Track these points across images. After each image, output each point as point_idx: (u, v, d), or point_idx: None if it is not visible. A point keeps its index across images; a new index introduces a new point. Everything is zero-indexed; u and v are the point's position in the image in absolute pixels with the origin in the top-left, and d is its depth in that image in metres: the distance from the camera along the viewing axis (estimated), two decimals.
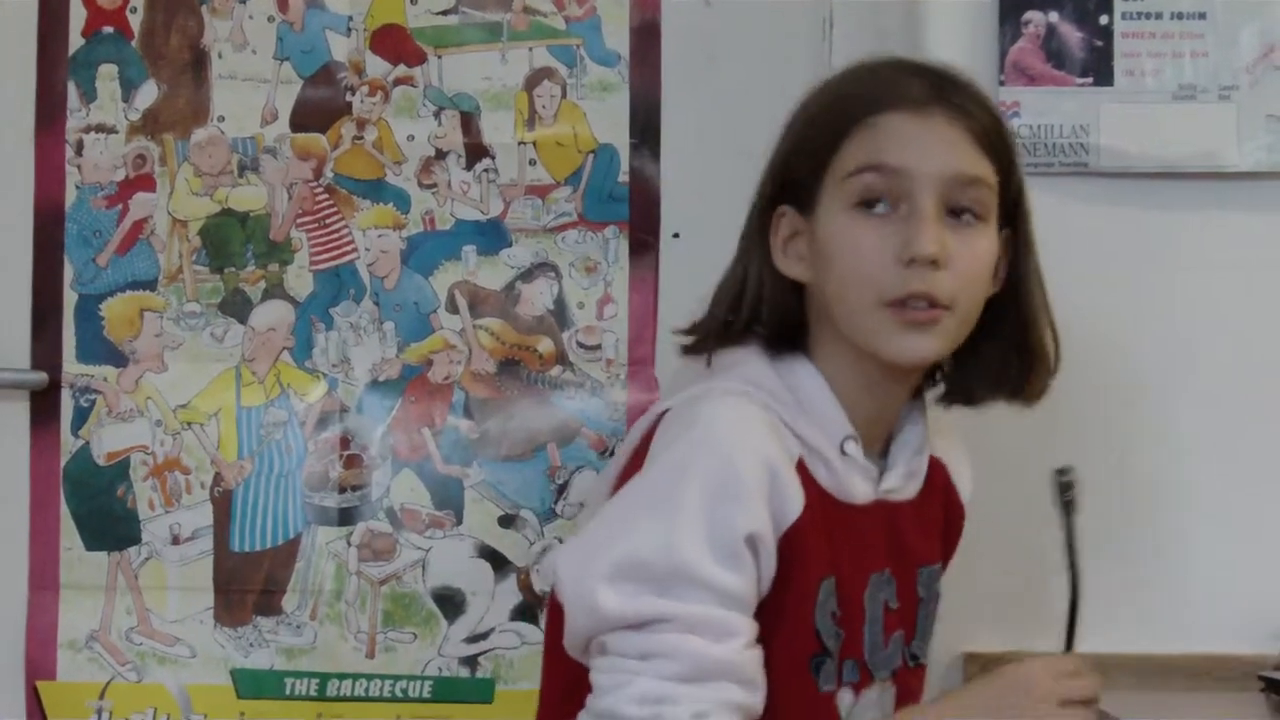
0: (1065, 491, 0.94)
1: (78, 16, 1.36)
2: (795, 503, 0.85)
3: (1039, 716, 0.87)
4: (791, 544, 0.85)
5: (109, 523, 1.36)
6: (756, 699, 0.82)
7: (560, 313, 1.38)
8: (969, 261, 0.89)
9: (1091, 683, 0.90)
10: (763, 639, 0.84)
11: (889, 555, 0.92)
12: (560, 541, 1.36)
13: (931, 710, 0.91)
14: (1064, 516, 0.95)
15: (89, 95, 1.36)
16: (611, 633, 0.82)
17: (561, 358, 1.38)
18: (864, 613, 0.90)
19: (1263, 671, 1.20)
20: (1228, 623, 1.25)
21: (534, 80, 1.37)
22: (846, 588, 0.89)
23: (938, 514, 0.99)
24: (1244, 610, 1.26)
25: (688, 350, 0.95)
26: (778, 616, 0.85)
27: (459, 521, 1.36)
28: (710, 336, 0.94)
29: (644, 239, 1.37)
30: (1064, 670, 0.90)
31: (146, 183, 1.37)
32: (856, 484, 0.91)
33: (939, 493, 0.99)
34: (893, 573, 0.92)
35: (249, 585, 1.37)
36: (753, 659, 0.83)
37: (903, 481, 0.94)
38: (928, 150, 0.87)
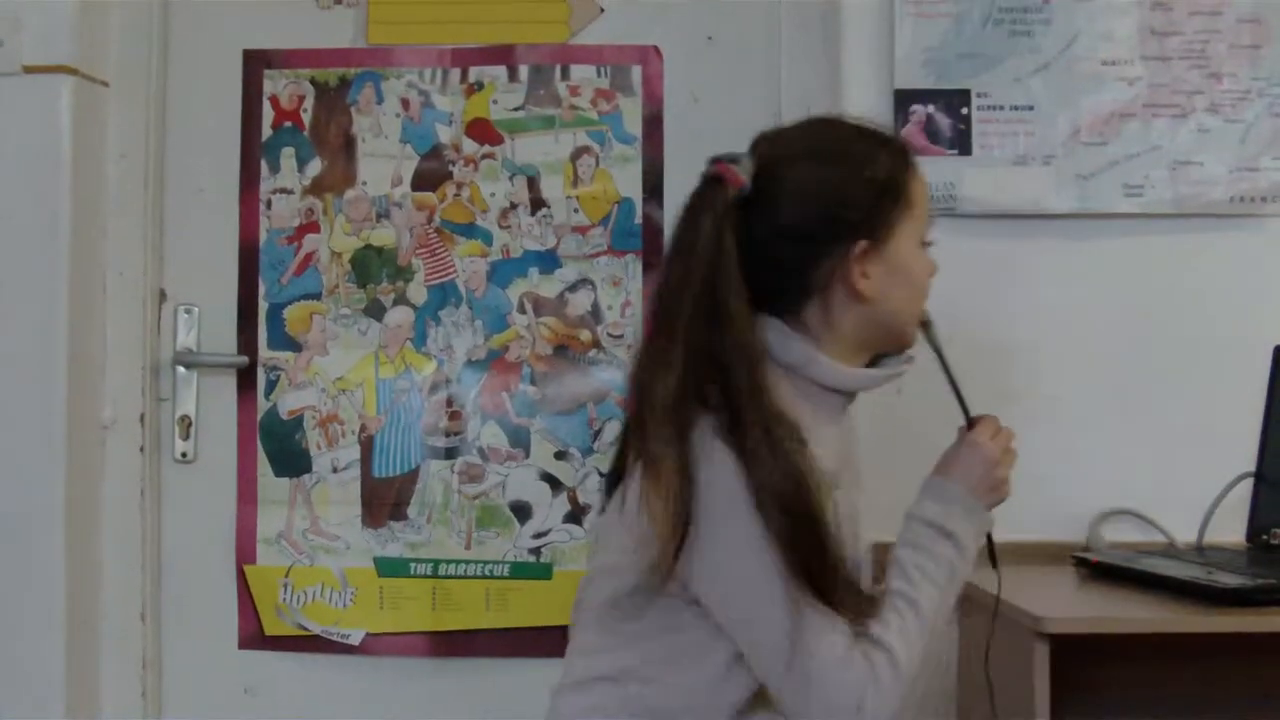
0: (927, 328, 1.09)
1: (268, 115, 1.68)
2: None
3: (1004, 468, 1.07)
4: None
5: (290, 458, 1.65)
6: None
7: (596, 313, 1.62)
8: None
9: (1007, 429, 1.09)
10: None
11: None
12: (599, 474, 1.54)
13: (948, 485, 1.04)
14: (935, 349, 1.09)
15: (275, 168, 1.67)
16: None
17: (597, 344, 1.61)
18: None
19: (1074, 553, 1.45)
20: (1050, 517, 1.48)
21: (577, 154, 1.66)
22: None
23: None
24: (1062, 510, 1.49)
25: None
26: None
27: (527, 456, 1.64)
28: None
29: (652, 262, 1.60)
30: (992, 429, 1.08)
31: (314, 228, 1.67)
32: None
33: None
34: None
35: (385, 499, 1.63)
36: None
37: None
38: None
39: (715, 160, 1.05)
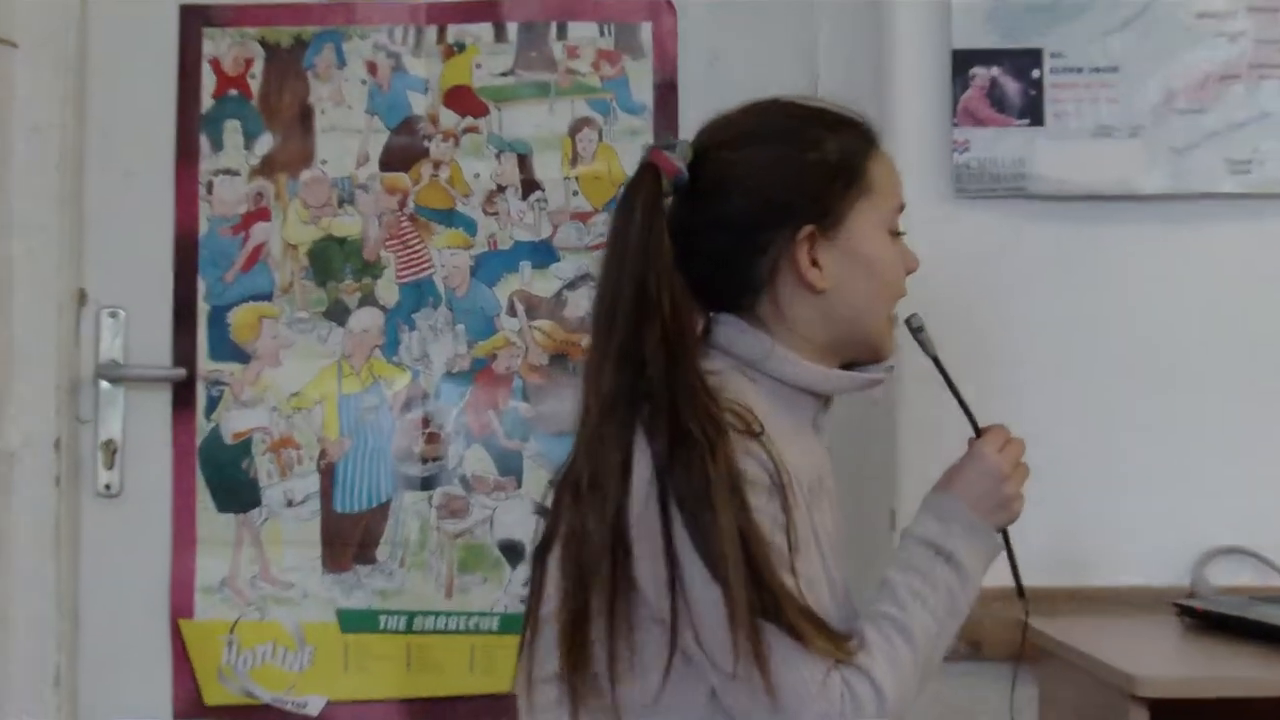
0: (919, 333, 1.13)
1: (208, 82, 1.65)
2: None
3: (1013, 483, 1.10)
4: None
5: (235, 490, 1.62)
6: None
7: None
8: None
9: (1016, 440, 1.11)
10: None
11: None
12: None
13: (949, 501, 1.07)
14: (930, 356, 1.12)
15: (218, 145, 1.65)
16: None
17: None
18: None
19: (1176, 599, 1.43)
20: (1148, 559, 1.48)
21: (576, 127, 1.64)
22: None
23: None
24: (1162, 552, 1.49)
25: None
26: None
27: (519, 485, 1.62)
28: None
29: None
30: (999, 440, 1.11)
31: (264, 215, 1.64)
32: None
33: None
34: None
35: (349, 540, 1.61)
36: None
37: None
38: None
39: (651, 147, 1.09)
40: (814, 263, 1.09)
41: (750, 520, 0.99)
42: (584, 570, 1.01)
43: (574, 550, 1.02)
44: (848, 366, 1.14)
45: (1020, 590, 1.16)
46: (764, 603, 0.98)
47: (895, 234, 1.13)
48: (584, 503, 1.02)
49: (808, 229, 1.08)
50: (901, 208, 1.15)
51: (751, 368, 1.09)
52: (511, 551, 1.62)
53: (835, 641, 1.01)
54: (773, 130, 1.11)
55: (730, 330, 1.10)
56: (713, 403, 1.02)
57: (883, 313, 1.13)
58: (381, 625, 1.61)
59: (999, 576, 1.16)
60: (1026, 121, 1.52)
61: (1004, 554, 1.14)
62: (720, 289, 1.11)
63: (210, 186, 1.64)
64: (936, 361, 1.16)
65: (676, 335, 1.03)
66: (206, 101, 1.65)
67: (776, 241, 1.08)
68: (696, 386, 1.02)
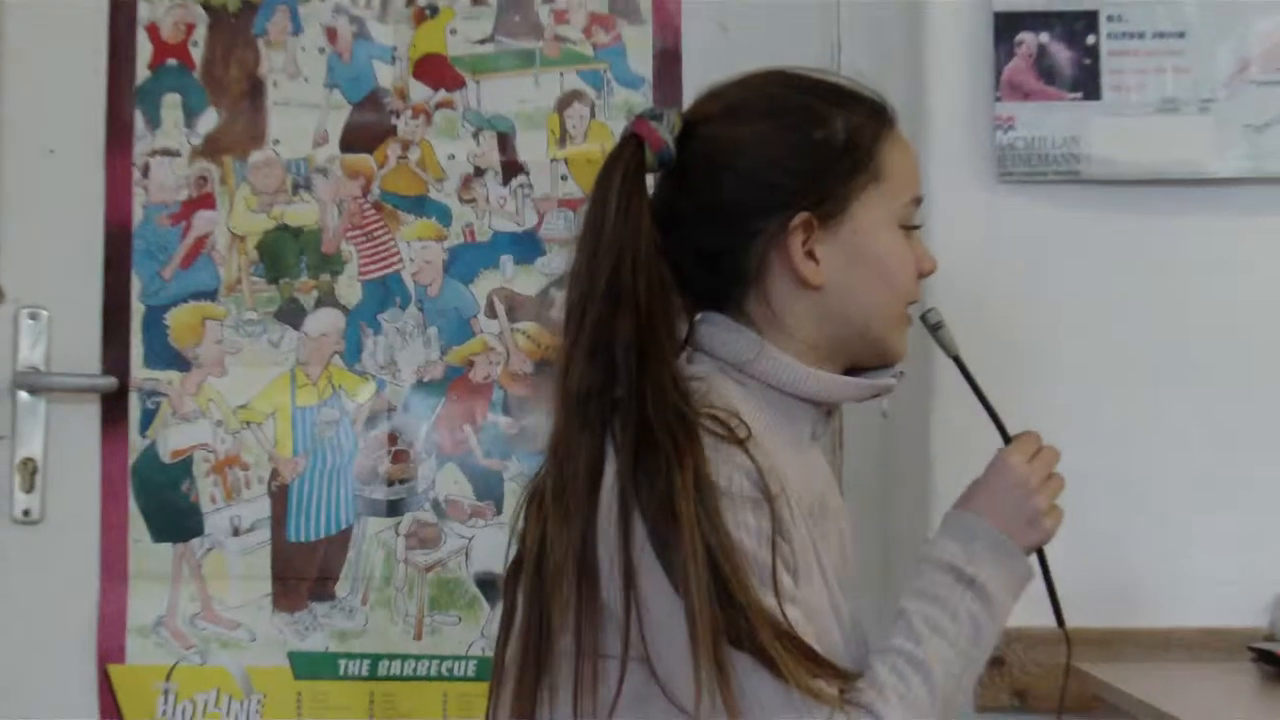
0: (937, 330, 1.14)
1: (144, 50, 1.64)
2: None
3: (1044, 497, 1.09)
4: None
5: (174, 516, 1.61)
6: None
7: None
8: None
9: (1049, 448, 1.12)
10: None
11: None
12: None
13: (971, 519, 1.08)
14: (951, 356, 1.14)
15: (154, 122, 1.64)
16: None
17: None
18: None
19: (1253, 643, 1.41)
20: (1221, 599, 1.46)
21: (565, 102, 1.63)
22: None
23: None
24: (1235, 587, 1.46)
25: None
26: None
27: (499, 511, 1.61)
28: None
29: None
30: (1029, 449, 1.11)
31: (207, 201, 1.63)
32: None
33: None
34: None
35: (304, 573, 1.61)
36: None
37: None
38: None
39: (636, 116, 1.09)
40: (810, 255, 1.08)
41: (722, 534, 0.97)
42: (546, 591, 1.01)
43: (536, 570, 1.02)
44: (854, 371, 1.13)
45: (1060, 620, 1.15)
46: (733, 625, 0.96)
47: (908, 229, 1.12)
48: (548, 516, 1.02)
49: (802, 216, 1.07)
50: (918, 201, 1.13)
51: (739, 370, 1.09)
52: (490, 587, 1.61)
53: (832, 679, 0.99)
54: (771, 103, 1.10)
55: (716, 329, 1.10)
56: (685, 405, 1.01)
57: (889, 315, 1.12)
58: (341, 671, 1.61)
59: (1046, 615, 1.15)
60: (1080, 95, 1.51)
61: (1038, 581, 1.12)
62: (706, 282, 1.10)
63: (146, 169, 1.64)
64: (958, 361, 1.15)
65: (649, 329, 1.03)
66: (142, 73, 1.65)
67: (767, 229, 1.08)
68: (667, 386, 1.02)
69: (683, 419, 1.00)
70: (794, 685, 0.96)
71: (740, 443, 1.00)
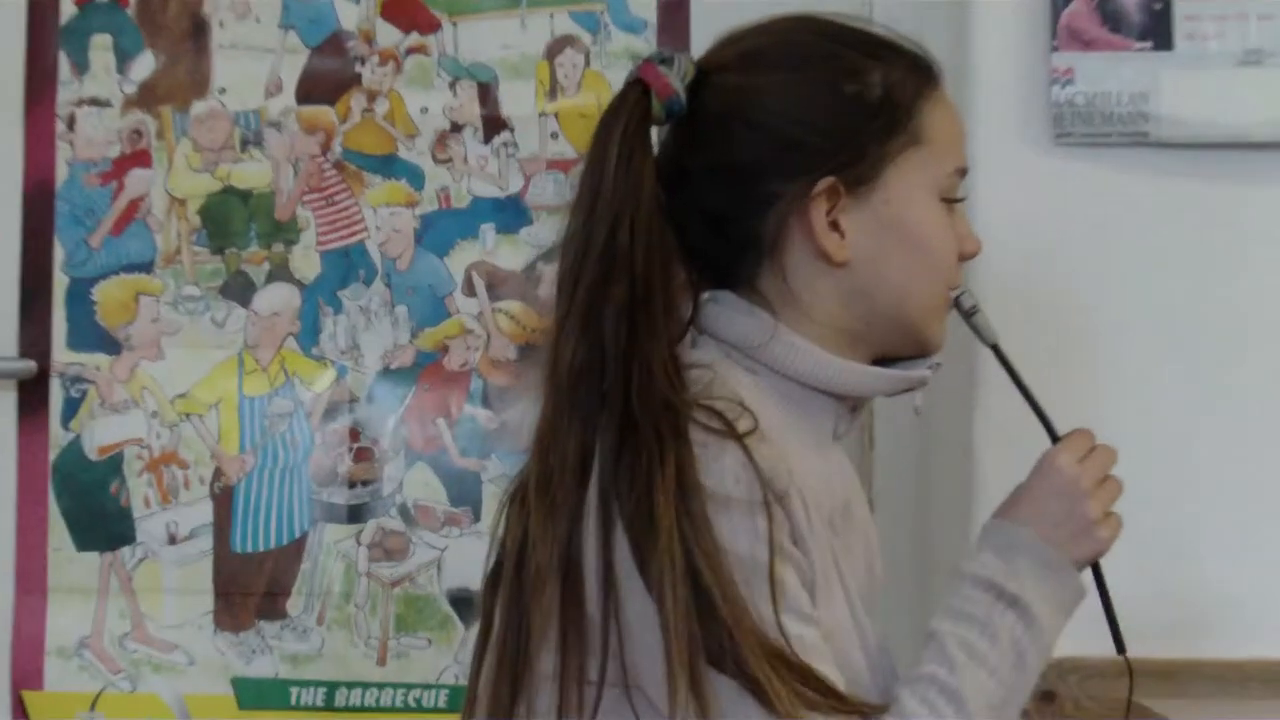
0: (972, 317, 1.13)
1: None
2: None
3: (1098, 503, 1.09)
4: None
5: (101, 521, 1.59)
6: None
7: None
8: None
9: (1103, 446, 1.11)
10: None
11: None
12: None
13: (1013, 529, 1.09)
14: (989, 344, 1.14)
15: (82, 67, 1.60)
16: None
17: None
18: None
19: None
20: None
21: (555, 48, 1.60)
22: None
23: None
24: None
25: None
26: None
27: (477, 518, 1.58)
28: None
29: None
30: (1081, 448, 1.11)
31: (143, 159, 1.60)
32: None
33: None
34: None
35: (251, 588, 1.58)
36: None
37: None
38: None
39: (644, 60, 1.09)
40: (834, 226, 1.07)
41: (705, 541, 0.97)
42: (526, 599, 1.01)
43: (516, 573, 1.03)
44: (885, 362, 1.12)
45: (1119, 646, 1.13)
46: (714, 644, 0.96)
47: (951, 202, 1.11)
48: (531, 513, 1.02)
49: (828, 181, 1.06)
50: (963, 171, 1.12)
51: (749, 357, 1.08)
52: (465, 605, 1.59)
53: (838, 711, 0.98)
54: (797, 51, 1.10)
55: (724, 309, 1.09)
56: (674, 394, 1.01)
57: (926, 297, 1.11)
58: (293, 700, 1.60)
59: (1100, 642, 1.13)
60: (1150, 45, 1.49)
61: (1092, 602, 1.11)
62: (716, 254, 1.10)
63: (71, 121, 1.62)
64: (997, 350, 1.14)
65: (644, 301, 1.02)
66: (67, 9, 1.63)
67: (786, 194, 1.07)
68: (656, 370, 1.01)
69: (670, 410, 1.00)
70: (785, 717, 0.96)
71: (738, 438, 0.99)
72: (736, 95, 1.08)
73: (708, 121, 1.08)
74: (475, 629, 1.48)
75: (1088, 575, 1.09)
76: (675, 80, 1.06)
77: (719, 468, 0.98)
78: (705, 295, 1.11)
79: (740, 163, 1.08)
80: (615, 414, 1.00)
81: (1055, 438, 1.13)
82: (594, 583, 0.99)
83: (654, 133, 1.10)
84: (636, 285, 1.02)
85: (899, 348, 1.11)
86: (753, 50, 1.10)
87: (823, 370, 1.08)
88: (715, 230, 1.09)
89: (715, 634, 0.96)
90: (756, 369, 1.08)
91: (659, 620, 0.96)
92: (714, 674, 0.95)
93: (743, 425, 1.00)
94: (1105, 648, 1.13)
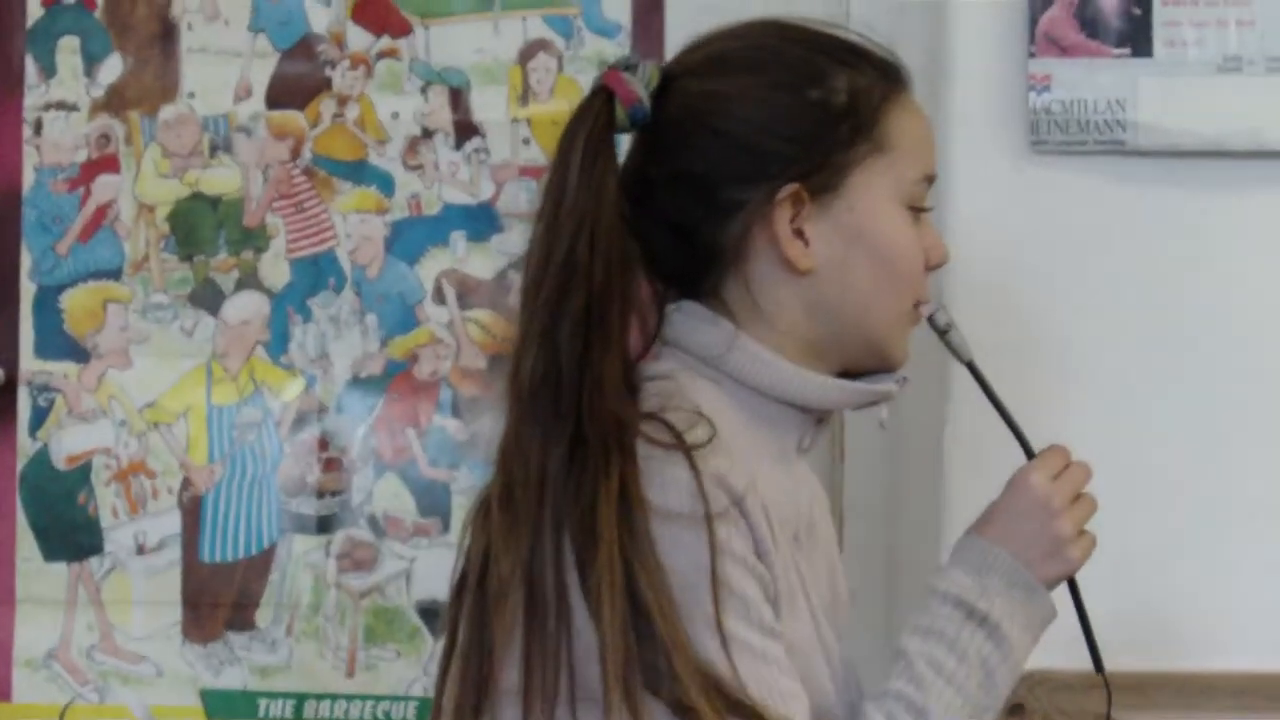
0: (946, 334, 1.13)
1: None
2: None
3: (1069, 521, 1.09)
4: None
5: (69, 531, 1.60)
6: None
7: None
8: None
9: (1078, 464, 1.11)
10: None
11: None
12: None
13: (984, 547, 1.09)
14: (964, 362, 1.13)
15: (48, 70, 1.61)
16: None
17: None
18: None
19: None
20: (1275, 638, 1.44)
21: (528, 53, 1.60)
22: None
23: None
24: None
25: None
26: None
27: (446, 529, 1.59)
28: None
29: None
30: (1055, 467, 1.10)
31: (110, 164, 1.61)
32: None
33: None
34: None
35: (220, 599, 1.59)
36: None
37: None
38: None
39: (608, 67, 1.09)
40: (799, 234, 1.07)
41: (646, 557, 0.97)
42: (489, 614, 1.01)
43: (479, 586, 1.03)
44: (850, 375, 1.12)
45: (1098, 664, 1.13)
46: (650, 667, 0.96)
47: (918, 210, 1.10)
48: (494, 525, 1.02)
49: (791, 187, 1.05)
50: (931, 179, 1.11)
51: (711, 366, 1.08)
52: (434, 617, 1.59)
53: None
54: (761, 55, 1.09)
55: (688, 319, 1.09)
56: (625, 406, 1.02)
57: (888, 312, 1.10)
58: (261, 712, 1.60)
59: (1070, 654, 1.13)
60: (1128, 51, 1.49)
61: (1066, 615, 1.11)
62: (680, 264, 1.09)
63: (38, 126, 1.63)
64: (972, 369, 1.14)
65: (600, 314, 1.02)
66: (34, 11, 1.63)
67: (750, 202, 1.06)
68: (607, 383, 1.01)
69: (619, 424, 1.00)
70: None
71: (686, 450, 0.99)
72: (700, 100, 1.08)
73: (671, 128, 1.08)
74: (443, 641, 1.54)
75: (1063, 594, 1.09)
76: (639, 87, 1.06)
77: (663, 481, 0.98)
78: (671, 306, 1.10)
79: (703, 169, 1.07)
80: (567, 427, 1.00)
81: (1030, 454, 1.13)
82: (551, 596, 0.99)
83: (623, 141, 1.10)
84: (593, 297, 1.02)
85: (862, 360, 1.11)
86: (717, 55, 1.10)
87: (785, 381, 1.08)
88: (679, 239, 1.08)
89: (651, 655, 0.96)
90: (719, 379, 1.08)
91: (597, 637, 0.96)
92: (650, 698, 0.96)
93: (696, 436, 1.00)
94: (1075, 660, 1.13)
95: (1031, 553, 1.08)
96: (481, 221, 1.61)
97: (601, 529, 0.97)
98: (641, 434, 1.00)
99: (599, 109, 1.06)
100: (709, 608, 0.97)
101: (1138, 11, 1.47)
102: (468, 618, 1.04)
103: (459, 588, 1.07)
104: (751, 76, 1.08)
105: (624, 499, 0.98)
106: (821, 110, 1.07)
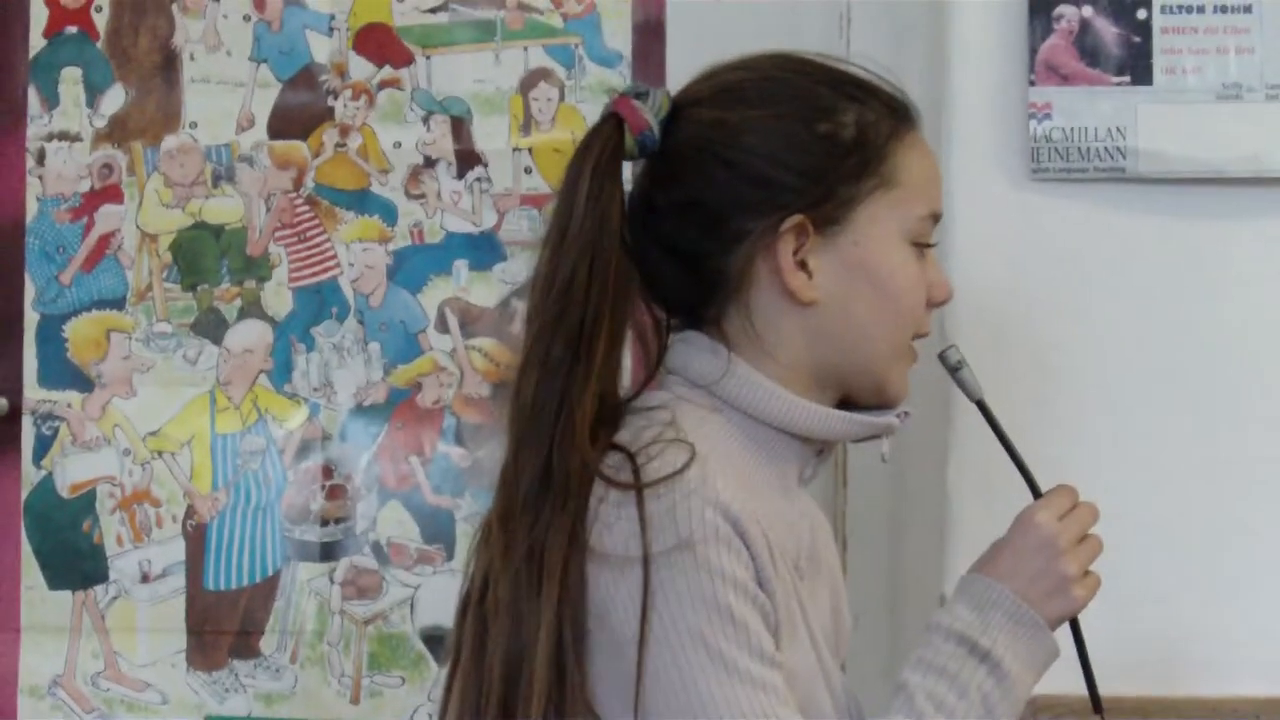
0: (957, 371, 1.15)
1: (39, 16, 1.62)
2: None
3: (1075, 561, 1.10)
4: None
5: (73, 559, 1.60)
6: None
7: None
8: None
9: (1085, 504, 1.12)
10: None
11: None
12: None
13: (989, 584, 1.10)
14: (974, 400, 1.15)
15: (51, 100, 1.62)
16: None
17: None
18: None
19: None
20: (1271, 659, 1.44)
21: (530, 82, 1.61)
22: None
23: None
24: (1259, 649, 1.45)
25: None
26: None
27: (450, 556, 1.59)
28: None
29: None
30: (1062, 507, 1.12)
31: (113, 194, 1.62)
32: None
33: None
34: None
35: (224, 626, 1.59)
36: None
37: None
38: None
39: (618, 94, 1.12)
40: (802, 265, 1.08)
41: (576, 596, 1.00)
42: (489, 634, 1.03)
43: (480, 605, 1.05)
44: (850, 407, 1.13)
45: (1096, 705, 1.15)
46: (562, 703, 0.99)
47: (921, 247, 1.12)
48: (494, 546, 1.04)
49: (796, 218, 1.07)
50: (937, 217, 1.13)
51: (710, 394, 1.09)
52: (439, 644, 1.59)
53: None
54: (771, 87, 1.11)
55: (688, 348, 1.10)
56: (590, 441, 1.03)
57: (889, 346, 1.11)
58: None
59: (1076, 682, 1.14)
60: (1128, 79, 1.49)
61: (1062, 655, 1.11)
62: (684, 292, 1.11)
63: (41, 156, 1.63)
64: (982, 406, 1.15)
65: (589, 340, 1.04)
66: (36, 42, 1.64)
67: (755, 232, 1.07)
68: (578, 417, 1.03)
69: (582, 458, 1.02)
70: None
71: (639, 490, 0.99)
72: (709, 130, 1.09)
73: (680, 156, 1.09)
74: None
75: (1065, 633, 1.10)
76: (649, 115, 1.08)
77: (609, 520, 0.99)
78: (675, 335, 1.11)
79: (710, 198, 1.08)
80: (541, 457, 1.02)
81: (1037, 493, 1.14)
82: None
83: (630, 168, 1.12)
84: (586, 323, 1.04)
85: (861, 394, 1.12)
86: (728, 85, 1.11)
87: (785, 410, 1.08)
88: (683, 267, 1.09)
89: (567, 695, 0.98)
90: (720, 407, 1.08)
91: (525, 666, 0.99)
92: None
93: (656, 471, 1.00)
94: (1080, 686, 1.14)
95: (1036, 591, 1.08)
96: (484, 250, 1.62)
97: (548, 564, 0.99)
98: (600, 473, 1.01)
99: (608, 135, 1.08)
100: (633, 651, 0.98)
101: (1137, 39, 1.48)
102: (469, 635, 1.06)
103: (463, 607, 1.09)
104: (761, 108, 1.09)
105: (571, 538, 1.00)
106: (830, 143, 1.08)
